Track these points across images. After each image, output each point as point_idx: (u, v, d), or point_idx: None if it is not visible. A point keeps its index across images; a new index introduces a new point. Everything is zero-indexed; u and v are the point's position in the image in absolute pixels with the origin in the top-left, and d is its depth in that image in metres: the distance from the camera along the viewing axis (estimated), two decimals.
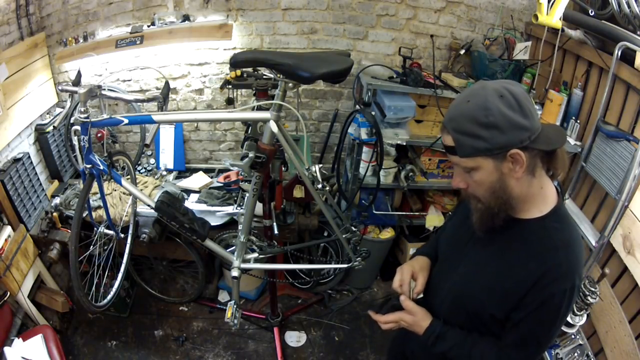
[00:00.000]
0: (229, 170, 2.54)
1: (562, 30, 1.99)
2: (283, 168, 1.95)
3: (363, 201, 2.51)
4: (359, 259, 1.90)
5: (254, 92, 1.72)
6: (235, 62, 1.46)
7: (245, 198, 2.07)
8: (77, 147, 1.53)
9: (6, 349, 1.75)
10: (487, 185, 0.92)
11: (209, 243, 1.66)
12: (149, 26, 2.34)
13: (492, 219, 0.95)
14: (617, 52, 1.72)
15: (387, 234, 2.60)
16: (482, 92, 0.87)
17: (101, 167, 1.53)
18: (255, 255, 1.79)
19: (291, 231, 2.28)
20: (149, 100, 1.53)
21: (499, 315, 0.99)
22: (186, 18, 2.35)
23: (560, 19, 1.89)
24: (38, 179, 2.19)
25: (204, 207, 2.30)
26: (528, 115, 0.85)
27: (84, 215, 1.63)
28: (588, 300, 1.73)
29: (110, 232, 1.92)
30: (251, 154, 1.48)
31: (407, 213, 2.61)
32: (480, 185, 0.93)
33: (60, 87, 1.53)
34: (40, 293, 2.12)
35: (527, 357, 1.01)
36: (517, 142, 0.85)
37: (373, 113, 2.16)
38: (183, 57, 2.51)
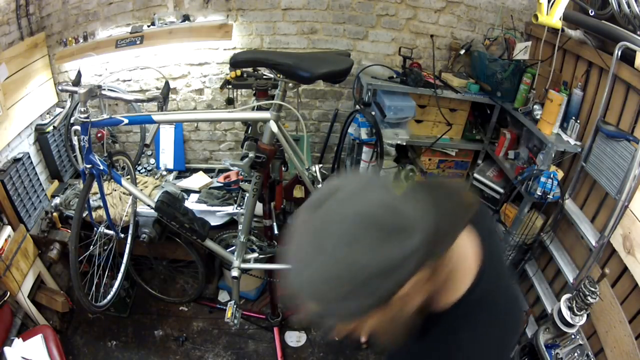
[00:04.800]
0: (229, 170, 2.54)
1: (562, 30, 1.99)
2: (283, 168, 1.95)
3: None
4: None
5: (254, 92, 1.72)
6: (235, 62, 1.46)
7: (245, 198, 2.07)
8: (77, 147, 1.53)
9: (6, 349, 1.75)
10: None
11: (209, 243, 1.66)
12: (149, 26, 2.34)
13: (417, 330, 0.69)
14: (617, 52, 1.72)
15: None
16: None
17: (101, 167, 1.53)
18: (255, 255, 1.79)
19: None
20: (149, 100, 1.53)
21: None
22: (186, 18, 2.35)
23: (560, 19, 1.88)
24: (38, 179, 2.19)
25: (204, 207, 2.30)
26: (407, 228, 0.55)
27: (84, 215, 1.63)
28: (588, 300, 1.73)
29: (110, 232, 1.93)
30: (251, 154, 1.48)
31: None
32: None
33: (60, 87, 1.53)
34: (40, 293, 2.12)
35: None
36: (416, 268, 0.56)
37: (373, 113, 2.17)
38: (183, 57, 2.51)
